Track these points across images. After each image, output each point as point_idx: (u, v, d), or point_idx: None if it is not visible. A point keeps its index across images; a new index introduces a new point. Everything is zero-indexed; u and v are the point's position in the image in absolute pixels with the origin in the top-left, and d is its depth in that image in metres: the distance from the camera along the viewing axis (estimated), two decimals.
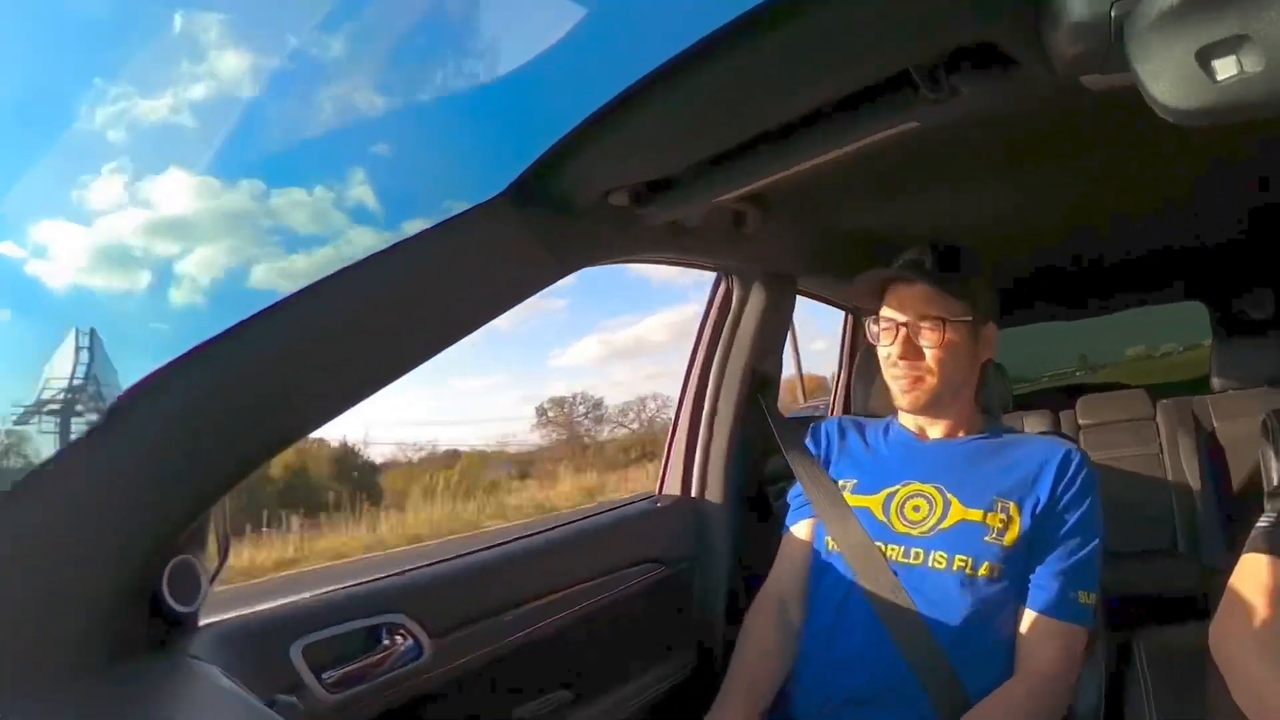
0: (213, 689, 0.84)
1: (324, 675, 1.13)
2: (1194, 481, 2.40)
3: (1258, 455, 1.63)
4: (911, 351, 1.40)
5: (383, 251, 0.95)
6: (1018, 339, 3.15)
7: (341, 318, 0.92)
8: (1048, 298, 2.97)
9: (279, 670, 1.09)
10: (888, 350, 1.44)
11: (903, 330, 1.41)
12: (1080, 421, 2.68)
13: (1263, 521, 1.25)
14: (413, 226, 0.98)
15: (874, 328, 1.47)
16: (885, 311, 1.45)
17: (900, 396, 1.44)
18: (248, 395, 0.88)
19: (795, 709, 1.41)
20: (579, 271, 1.25)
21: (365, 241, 0.98)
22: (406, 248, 0.96)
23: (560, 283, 1.21)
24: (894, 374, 1.43)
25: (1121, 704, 1.45)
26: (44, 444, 0.91)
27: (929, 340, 1.40)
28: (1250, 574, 1.18)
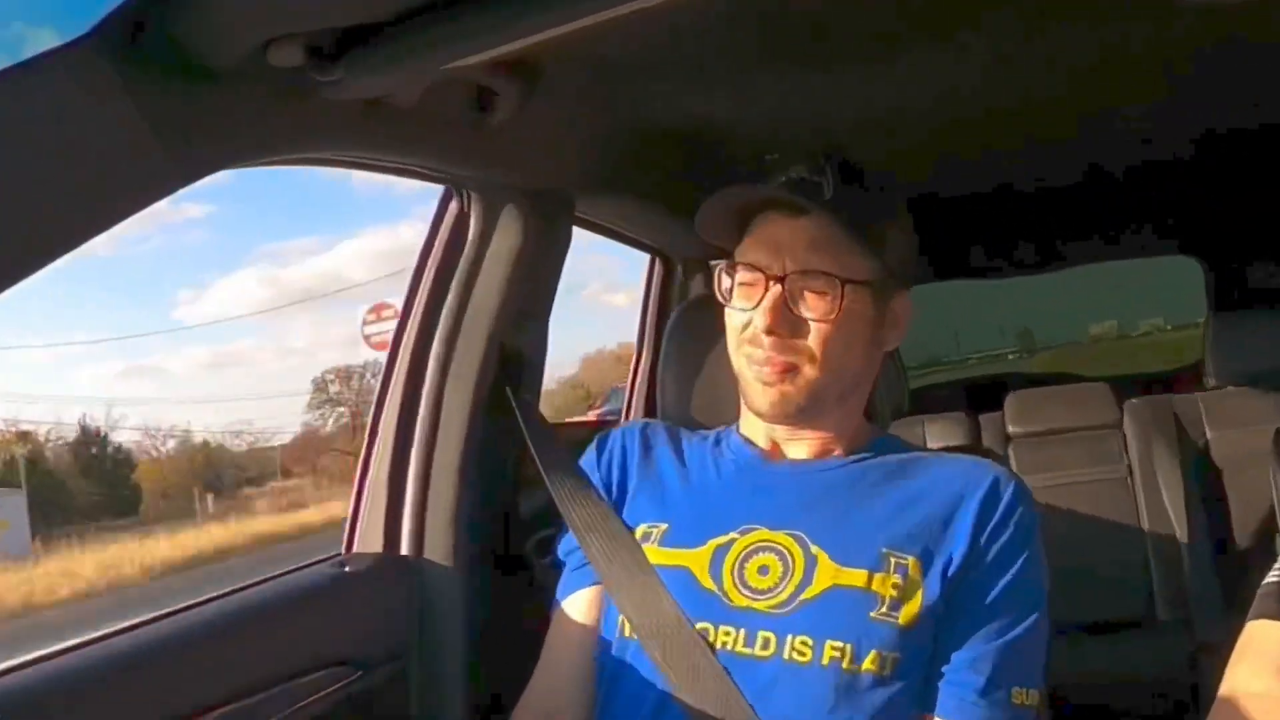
0: None
1: None
2: (1179, 517, 2.51)
3: (1268, 480, 1.86)
4: (785, 323, 1.35)
5: None
6: (922, 302, 3.39)
7: None
8: (970, 242, 3.21)
9: None
10: (746, 316, 1.38)
11: (775, 289, 1.35)
12: (1010, 429, 2.76)
13: (1275, 575, 1.28)
14: None
15: (727, 279, 1.42)
16: (749, 255, 1.39)
17: (759, 391, 1.39)
18: None
19: None
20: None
21: None
22: None
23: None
24: (752, 355, 1.39)
25: None
26: None
27: (814, 307, 1.35)
28: (1260, 649, 1.22)
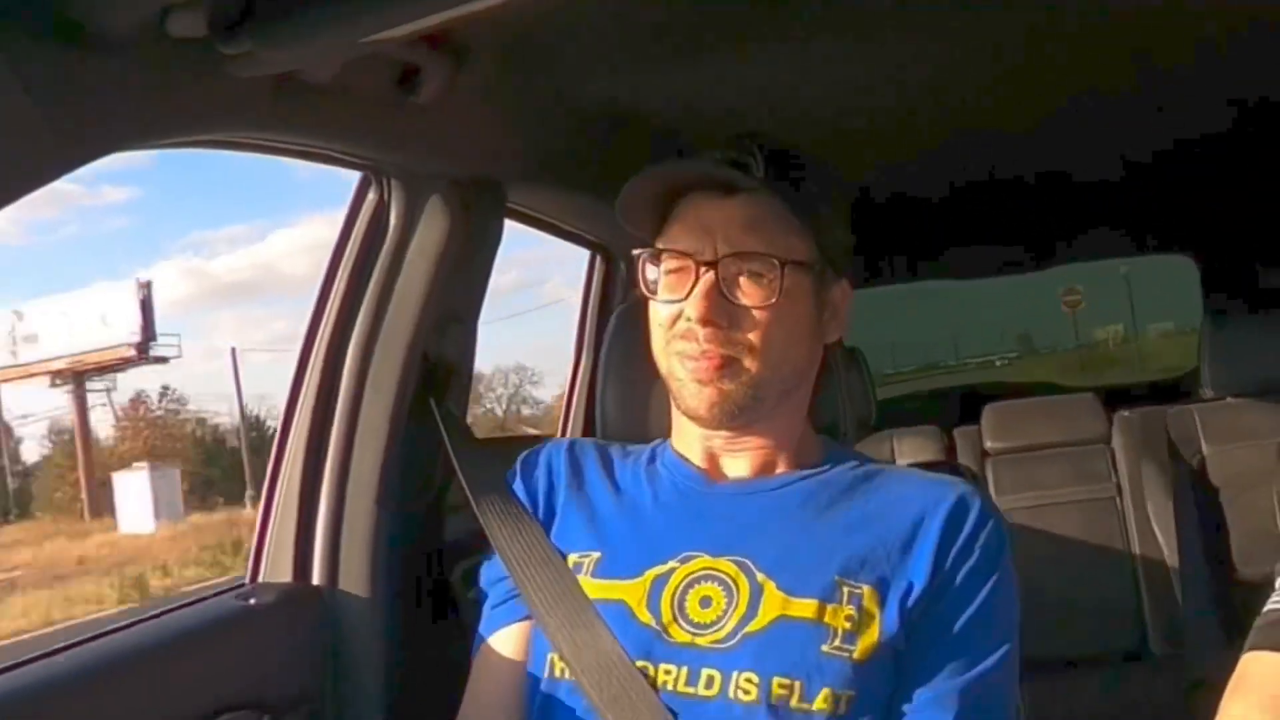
0: None
1: None
2: (1172, 541, 2.50)
3: (1270, 499, 1.89)
4: (722, 312, 1.34)
5: None
6: (894, 303, 3.42)
7: None
8: (950, 241, 3.25)
9: None
10: (676, 307, 1.37)
11: (708, 275, 1.34)
12: (988, 444, 2.77)
13: (1274, 603, 1.27)
14: None
15: (653, 268, 1.41)
16: (676, 241, 1.39)
17: (694, 391, 1.38)
18: None
19: None
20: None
21: None
22: None
23: (125, 160, 1.20)
24: (685, 350, 1.37)
25: None
26: None
27: (751, 294, 1.35)
28: (1252, 684, 1.22)
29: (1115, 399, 2.76)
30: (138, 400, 45.36)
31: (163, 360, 40.70)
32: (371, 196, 1.80)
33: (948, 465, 1.91)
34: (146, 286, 35.22)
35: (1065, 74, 2.01)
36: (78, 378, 38.37)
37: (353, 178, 1.64)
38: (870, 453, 1.50)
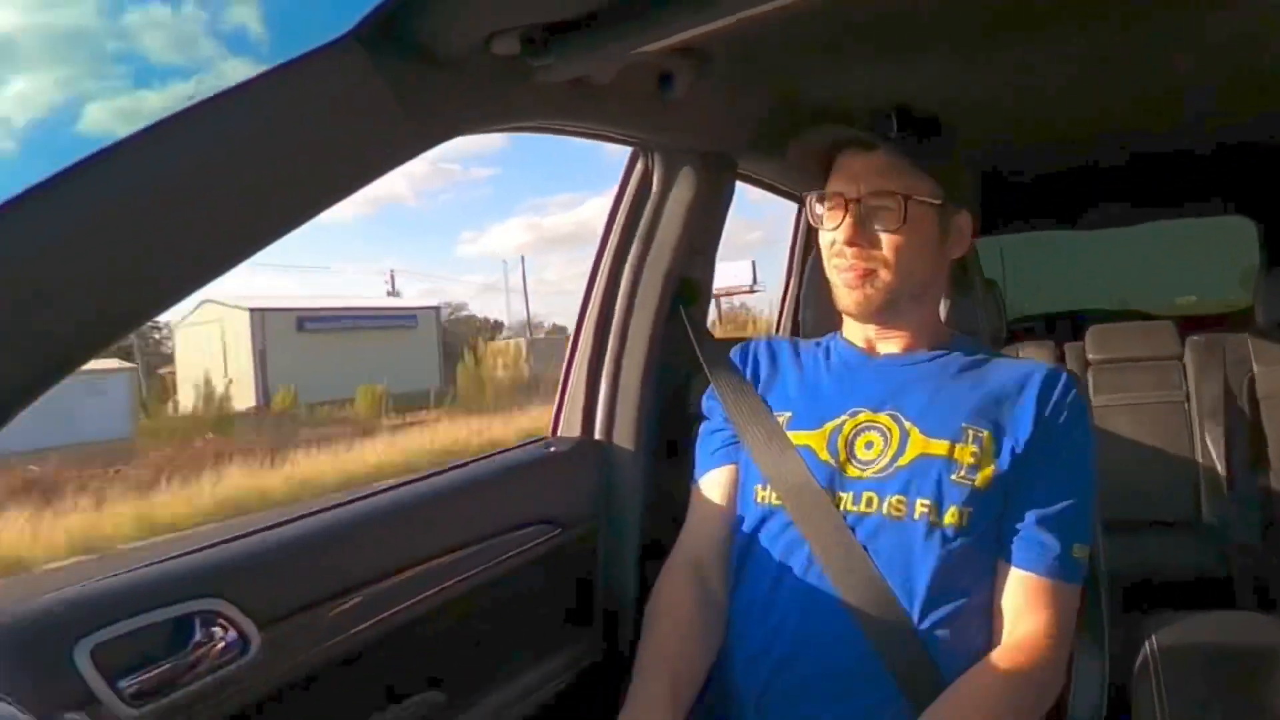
0: None
1: (121, 684, 1.10)
2: (1225, 438, 2.48)
3: None
4: (862, 236, 1.40)
5: (189, 110, 0.90)
6: (1027, 251, 3.29)
7: (127, 201, 0.87)
8: (1053, 202, 3.09)
9: (62, 680, 1.06)
10: (832, 235, 1.43)
11: (852, 208, 1.40)
12: (1090, 356, 2.76)
13: None
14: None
15: (818, 207, 1.47)
16: (832, 185, 1.45)
17: (846, 294, 1.44)
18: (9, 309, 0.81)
19: (729, 701, 1.42)
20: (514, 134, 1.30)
21: (239, 75, 0.97)
22: (216, 108, 0.91)
23: (489, 146, 1.25)
24: (839, 264, 1.44)
25: (1127, 704, 1.48)
26: None
27: (886, 222, 1.40)
28: None
29: (1189, 326, 2.61)
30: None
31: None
32: (639, 166, 1.93)
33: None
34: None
35: (1161, 80, 1.95)
36: None
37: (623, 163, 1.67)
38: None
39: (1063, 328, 2.92)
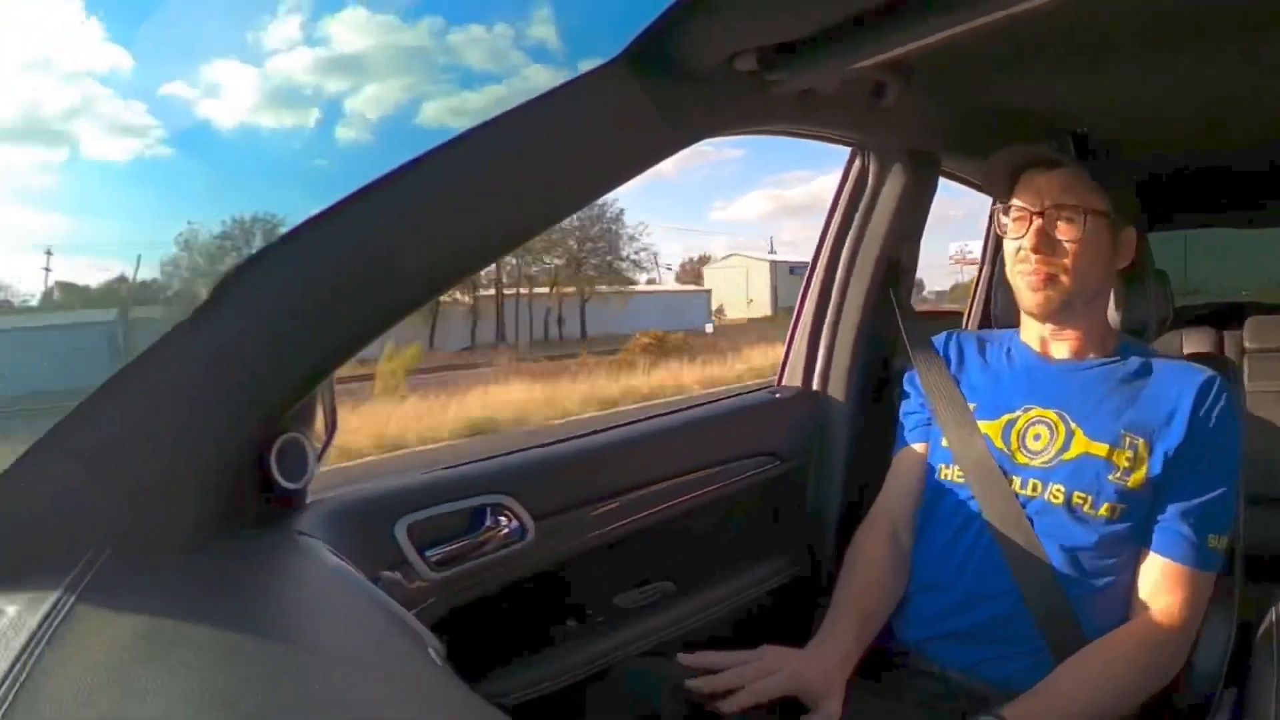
0: (319, 564, 0.95)
1: (428, 553, 1.30)
2: None
3: None
4: (1045, 244, 1.42)
5: (493, 120, 1.02)
6: (1182, 246, 3.08)
7: (452, 188, 0.99)
8: (1223, 199, 2.87)
9: (383, 548, 1.25)
10: (1018, 243, 1.46)
11: (1037, 220, 1.43)
12: (1246, 344, 2.66)
13: None
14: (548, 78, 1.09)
15: (1004, 218, 1.49)
16: (1018, 199, 1.47)
17: (1028, 295, 1.46)
18: (354, 274, 0.96)
19: (900, 640, 1.49)
20: None
21: (541, 79, 1.07)
22: (515, 117, 1.00)
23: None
24: (1023, 270, 1.45)
25: (1247, 670, 1.45)
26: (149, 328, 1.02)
27: (1066, 233, 1.42)
28: None
29: None
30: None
31: None
32: (857, 163, 1.97)
33: (1215, 357, 1.73)
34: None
35: None
36: None
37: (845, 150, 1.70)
38: (1164, 343, 1.69)
39: (1224, 317, 2.72)
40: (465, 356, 26.53)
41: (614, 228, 36.55)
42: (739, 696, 1.23)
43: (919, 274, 2.03)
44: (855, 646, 1.39)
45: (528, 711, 1.38)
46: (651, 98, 1.12)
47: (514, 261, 31.44)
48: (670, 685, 1.25)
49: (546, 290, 34.21)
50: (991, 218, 2.40)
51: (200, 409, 0.92)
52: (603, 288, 35.03)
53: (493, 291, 32.79)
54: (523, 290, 33.46)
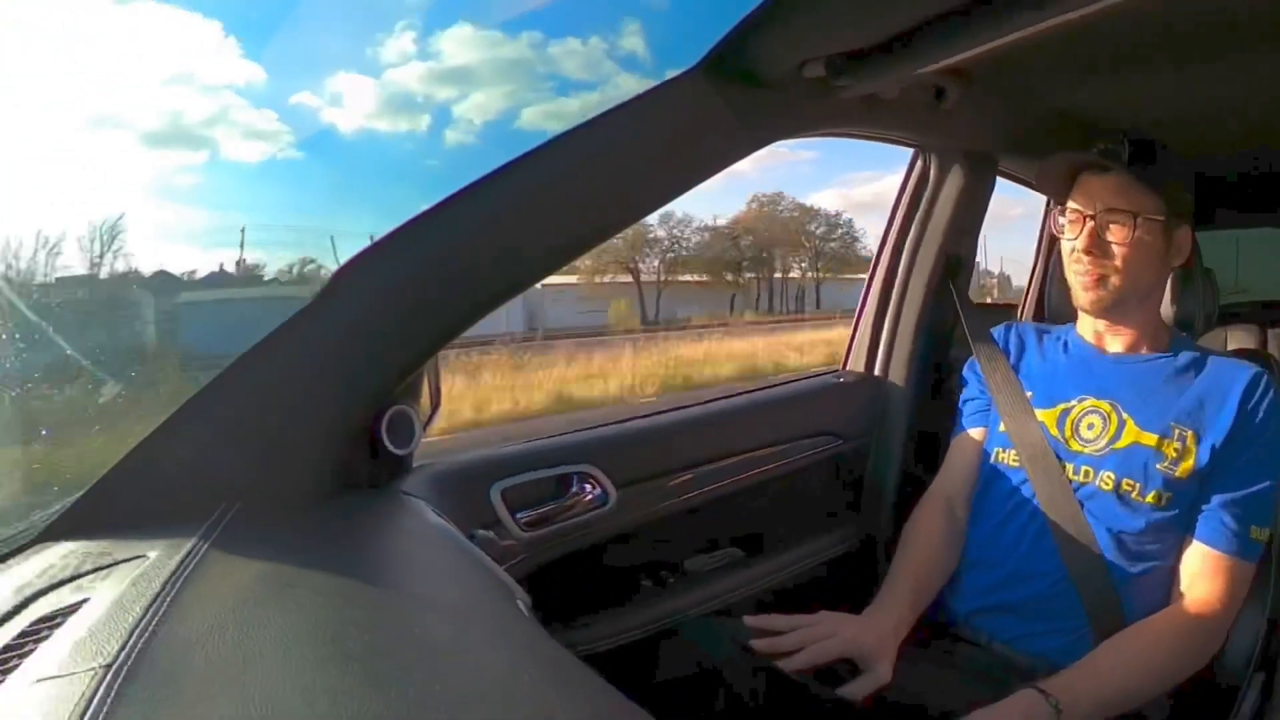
0: (422, 521, 0.98)
1: (519, 515, 1.34)
2: None
3: None
4: (1097, 246, 1.37)
5: (580, 126, 1.05)
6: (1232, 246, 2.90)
7: (547, 188, 1.02)
8: (1274, 199, 2.71)
9: (479, 509, 1.29)
10: (1072, 244, 1.42)
11: (1090, 223, 1.38)
12: None
13: None
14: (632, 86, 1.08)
15: (1060, 219, 1.46)
16: (1072, 202, 1.44)
17: (1081, 294, 1.43)
18: (455, 265, 1.00)
19: (950, 611, 1.48)
20: None
21: (629, 86, 1.07)
22: (600, 123, 1.04)
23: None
24: (1076, 269, 1.42)
25: (1276, 655, 1.43)
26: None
27: (1117, 236, 1.37)
28: None
29: None
30: None
31: None
32: (919, 163, 1.94)
33: (1260, 353, 1.61)
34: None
35: None
36: None
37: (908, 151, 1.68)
38: (1210, 339, 1.69)
39: (1271, 314, 2.54)
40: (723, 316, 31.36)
41: (849, 231, 39.74)
42: (799, 657, 1.24)
43: (1006, 270, 1.97)
44: (909, 615, 1.39)
45: (603, 661, 1.38)
46: (727, 103, 1.16)
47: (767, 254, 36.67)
48: (735, 644, 1.25)
49: (796, 275, 37.63)
50: (1046, 216, 2.32)
51: (321, 383, 0.99)
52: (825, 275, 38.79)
53: (753, 274, 36.77)
54: (776, 274, 37.25)
